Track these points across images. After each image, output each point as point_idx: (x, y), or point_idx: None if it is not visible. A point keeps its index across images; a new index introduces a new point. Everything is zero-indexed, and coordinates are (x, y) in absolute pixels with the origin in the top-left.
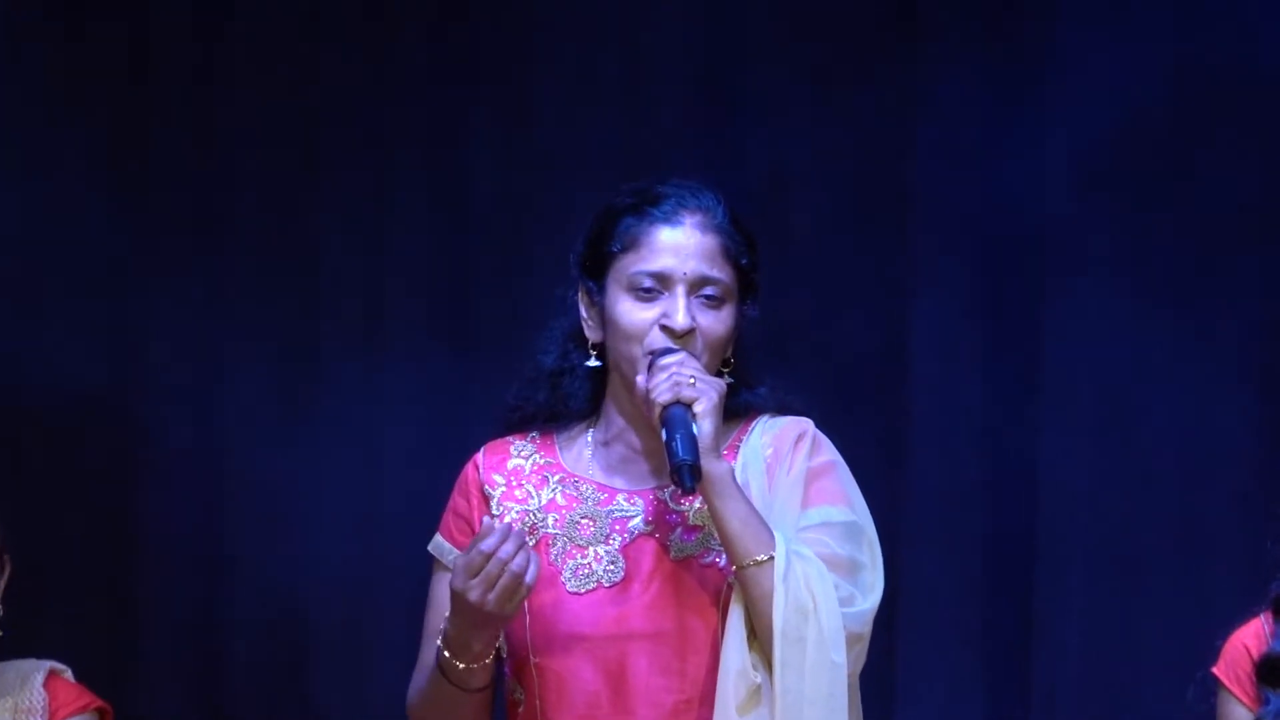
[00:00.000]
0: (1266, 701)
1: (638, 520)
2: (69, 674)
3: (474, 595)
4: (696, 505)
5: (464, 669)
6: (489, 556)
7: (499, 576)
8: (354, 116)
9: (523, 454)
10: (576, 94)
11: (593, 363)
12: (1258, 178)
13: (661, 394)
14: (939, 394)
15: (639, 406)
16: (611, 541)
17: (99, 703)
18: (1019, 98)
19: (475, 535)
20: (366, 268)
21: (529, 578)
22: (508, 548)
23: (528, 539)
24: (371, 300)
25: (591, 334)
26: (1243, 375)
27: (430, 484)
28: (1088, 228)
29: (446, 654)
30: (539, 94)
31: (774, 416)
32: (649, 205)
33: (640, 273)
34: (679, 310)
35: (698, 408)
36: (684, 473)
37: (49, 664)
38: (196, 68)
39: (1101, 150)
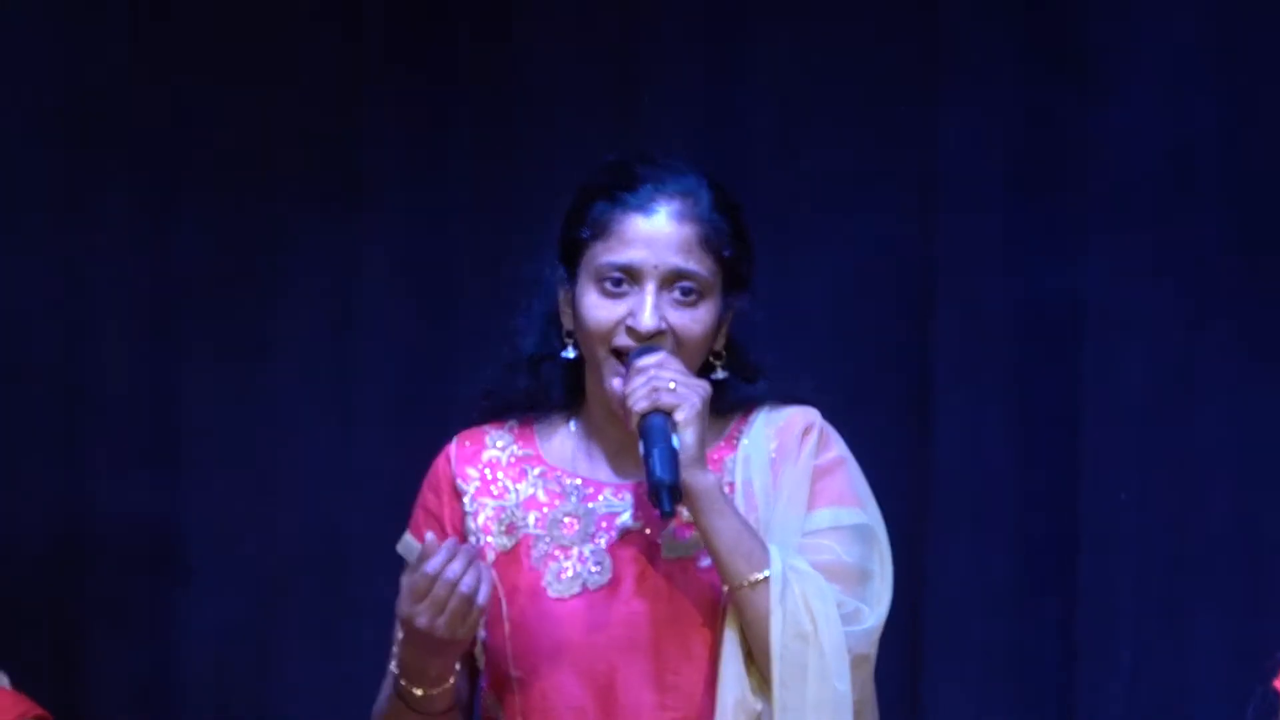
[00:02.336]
0: None
1: (626, 516)
2: (6, 681)
3: (422, 621)
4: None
5: (422, 695)
6: (434, 578)
7: (448, 599)
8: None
9: (499, 445)
10: (568, 54)
11: (569, 354)
12: None
13: (638, 402)
14: (968, 384)
15: (618, 414)
16: (598, 540)
17: (39, 710)
18: (1053, 78)
19: (419, 555)
20: (340, 248)
21: (481, 598)
22: (455, 567)
23: (480, 553)
24: (343, 280)
25: (568, 322)
26: None
27: (403, 469)
28: (1132, 221)
29: (403, 681)
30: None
31: (777, 407)
32: (623, 189)
33: (608, 264)
34: (645, 310)
35: (679, 416)
36: (662, 495)
37: None
38: (161, 50)
39: (1149, 144)
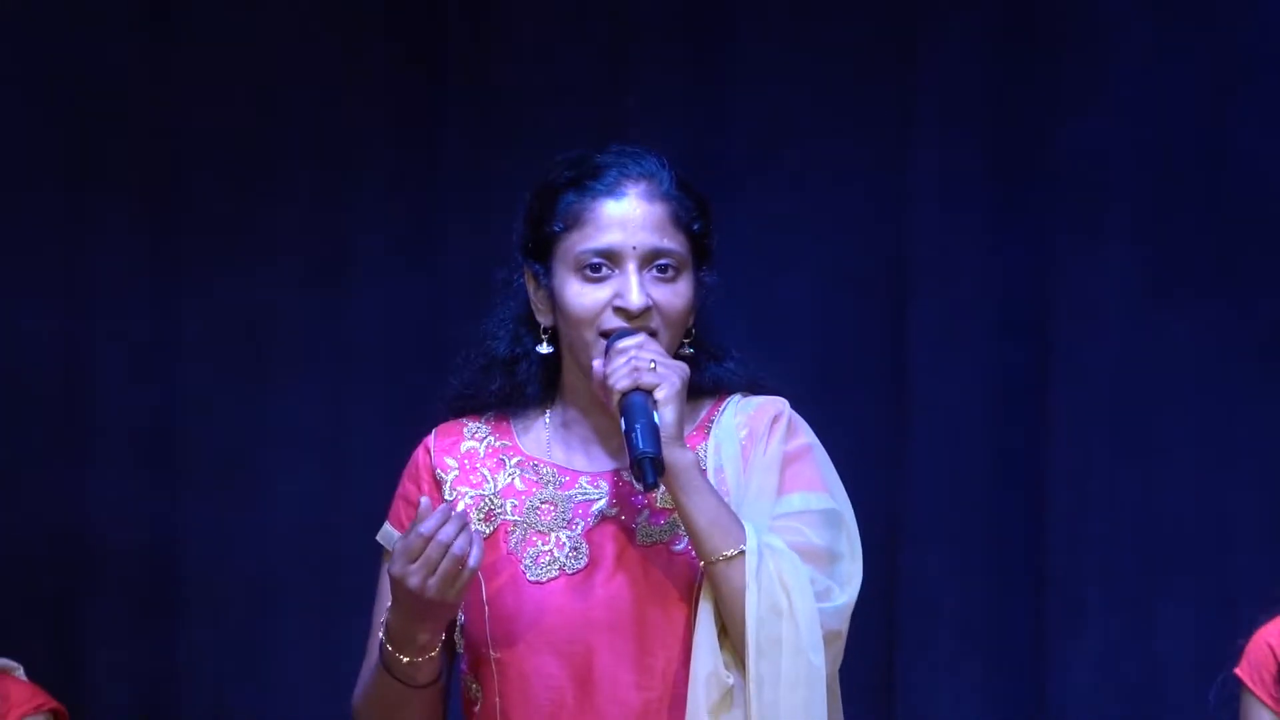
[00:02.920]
0: None
1: (602, 504)
2: (21, 672)
3: (414, 581)
4: (665, 494)
5: (409, 663)
6: (428, 539)
7: (440, 561)
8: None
9: (477, 436)
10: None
11: (544, 349)
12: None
13: (620, 380)
14: (941, 382)
15: (600, 395)
16: (574, 526)
17: (53, 703)
18: (1029, 76)
19: (414, 517)
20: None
21: (472, 561)
22: (448, 530)
23: (471, 520)
24: (334, 269)
25: (543, 318)
26: (1263, 372)
27: (394, 460)
28: (1101, 212)
29: (390, 647)
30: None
31: (747, 396)
32: (589, 179)
33: (587, 251)
34: (632, 289)
35: (659, 394)
36: (645, 467)
37: (3, 661)
38: (158, 41)
39: (1118, 140)
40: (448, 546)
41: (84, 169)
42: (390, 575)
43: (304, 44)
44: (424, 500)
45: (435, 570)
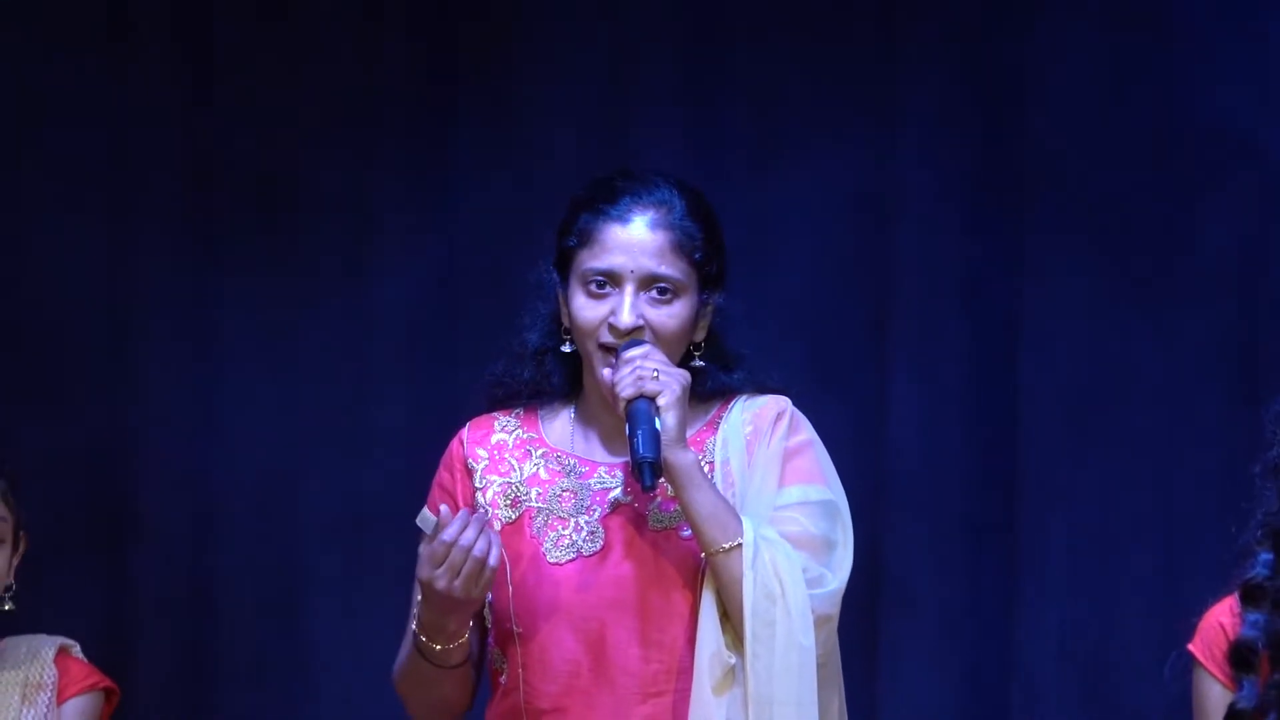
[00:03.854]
0: (1241, 687)
1: (617, 492)
2: (78, 650)
3: (441, 584)
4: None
5: (440, 650)
6: (451, 545)
7: (463, 563)
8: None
9: (506, 429)
10: (561, 76)
11: (566, 348)
12: (1223, 191)
13: (625, 388)
14: (919, 378)
15: (608, 399)
16: (592, 512)
17: (107, 682)
18: (998, 107)
19: (436, 525)
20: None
21: (493, 560)
22: (469, 534)
23: (489, 522)
24: (356, 261)
25: (566, 320)
26: (1214, 372)
27: (419, 441)
28: (1066, 228)
29: (423, 637)
30: (523, 72)
31: (753, 395)
32: (603, 202)
33: (592, 269)
34: (624, 309)
35: (661, 400)
36: (644, 471)
37: (59, 640)
38: (195, 51)
39: (1083, 155)
40: (469, 550)
41: (125, 170)
42: (419, 579)
43: (327, 52)
44: (444, 509)
45: (460, 572)
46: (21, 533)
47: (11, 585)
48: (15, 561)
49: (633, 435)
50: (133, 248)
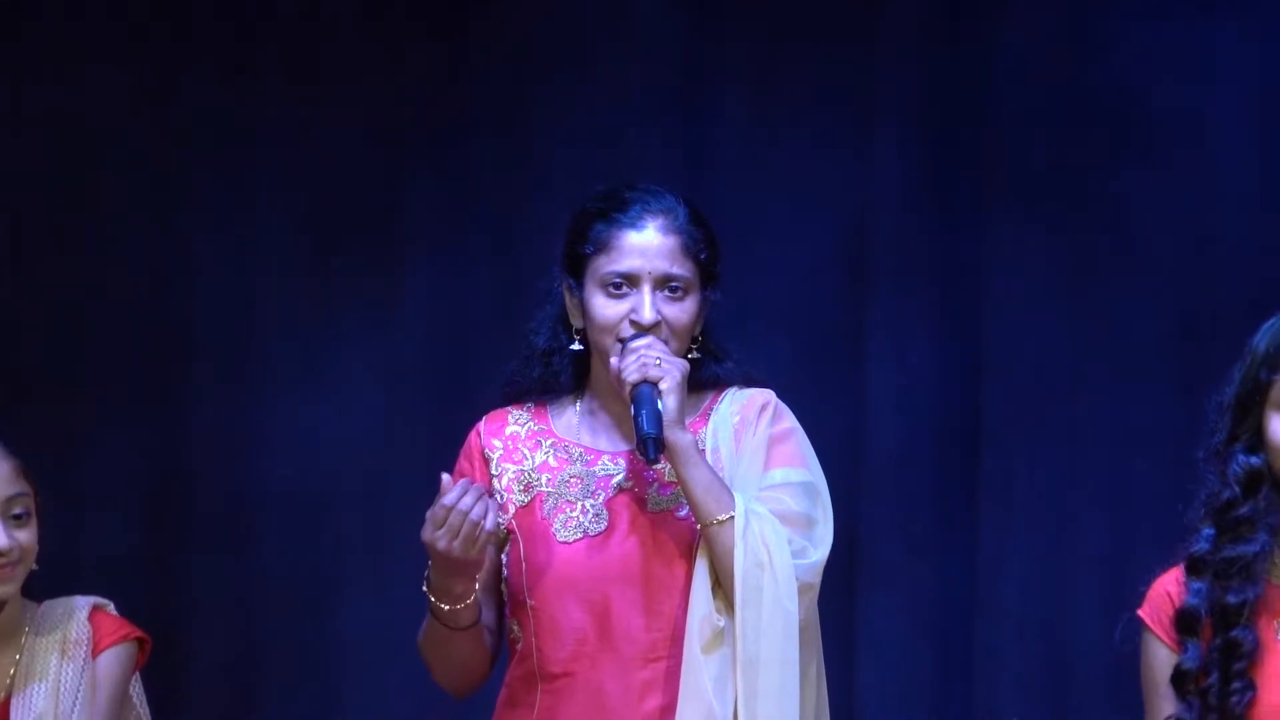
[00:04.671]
0: (1186, 649)
1: (620, 478)
2: (111, 608)
3: (441, 544)
4: (671, 470)
5: (449, 610)
6: (450, 509)
7: (461, 525)
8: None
9: (519, 422)
10: (567, 104)
11: (576, 347)
12: (1178, 190)
13: (631, 374)
14: (893, 373)
15: (616, 386)
16: (596, 496)
17: (138, 633)
18: (967, 112)
19: (439, 492)
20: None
21: (488, 525)
22: (466, 500)
23: (485, 492)
24: (387, 256)
25: (575, 322)
26: (1164, 361)
27: (441, 413)
28: (1026, 233)
29: (432, 598)
30: (535, 97)
31: (741, 388)
32: (616, 211)
33: (611, 273)
34: (645, 306)
35: (663, 385)
36: (648, 445)
37: (94, 599)
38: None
39: (1043, 164)
40: (466, 514)
41: (168, 176)
42: (423, 540)
43: (354, 62)
44: (445, 477)
45: (458, 534)
46: (39, 501)
47: (36, 551)
48: (38, 529)
49: (637, 415)
50: (183, 259)
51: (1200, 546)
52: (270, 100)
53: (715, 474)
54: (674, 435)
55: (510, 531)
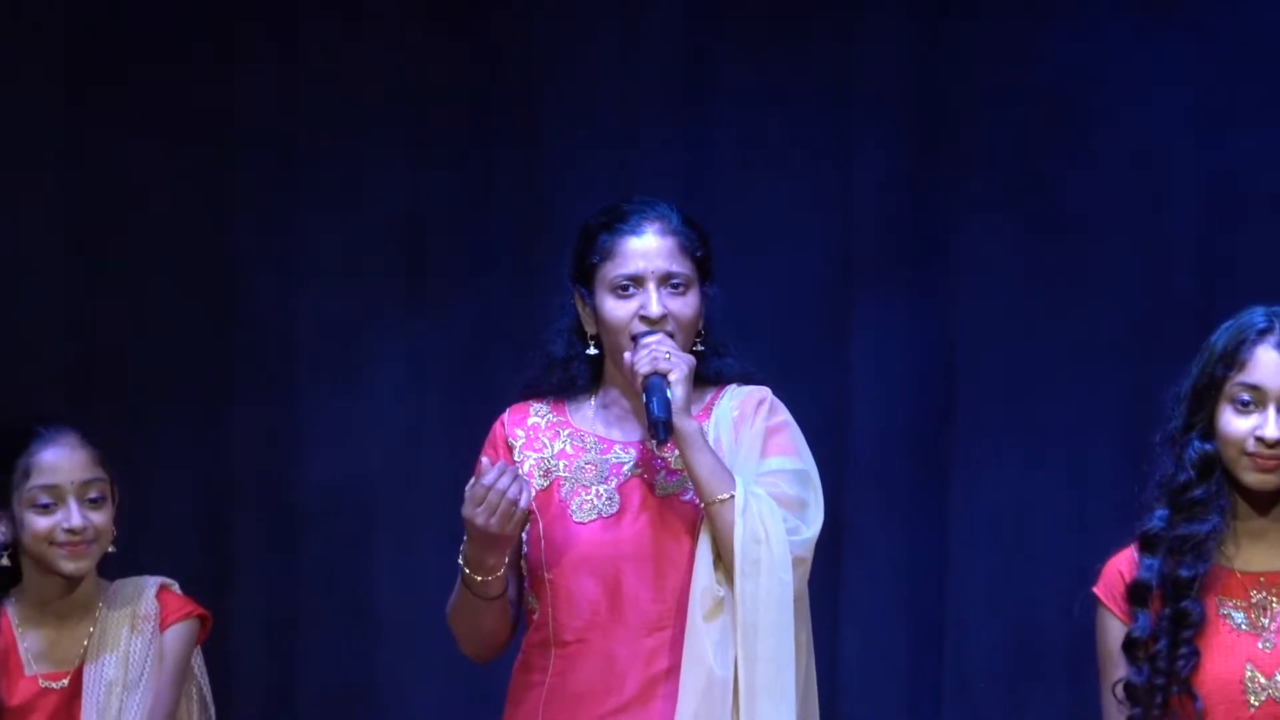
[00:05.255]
0: (1136, 619)
1: (630, 465)
2: (176, 587)
3: (480, 520)
4: (676, 454)
5: (481, 581)
6: (489, 488)
7: (499, 503)
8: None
9: (539, 414)
10: (577, 121)
11: (591, 351)
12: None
13: (643, 366)
14: (874, 368)
15: (629, 380)
16: (609, 481)
17: (200, 611)
18: (938, 134)
19: (478, 473)
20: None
21: (523, 503)
22: (504, 480)
23: (521, 474)
24: (414, 268)
25: (589, 328)
26: (1118, 350)
27: (462, 417)
28: (996, 238)
29: (467, 570)
30: (548, 121)
31: (741, 385)
32: (618, 222)
33: (618, 276)
34: (652, 302)
35: (672, 377)
36: (659, 428)
37: (161, 579)
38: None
39: (1003, 184)
40: (504, 493)
41: (221, 179)
42: (463, 516)
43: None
44: (484, 460)
45: (495, 511)
46: (116, 488)
47: (114, 533)
48: (114, 514)
49: (649, 402)
50: (225, 259)
51: (1154, 525)
52: (308, 117)
53: (717, 458)
54: (681, 422)
55: (531, 512)
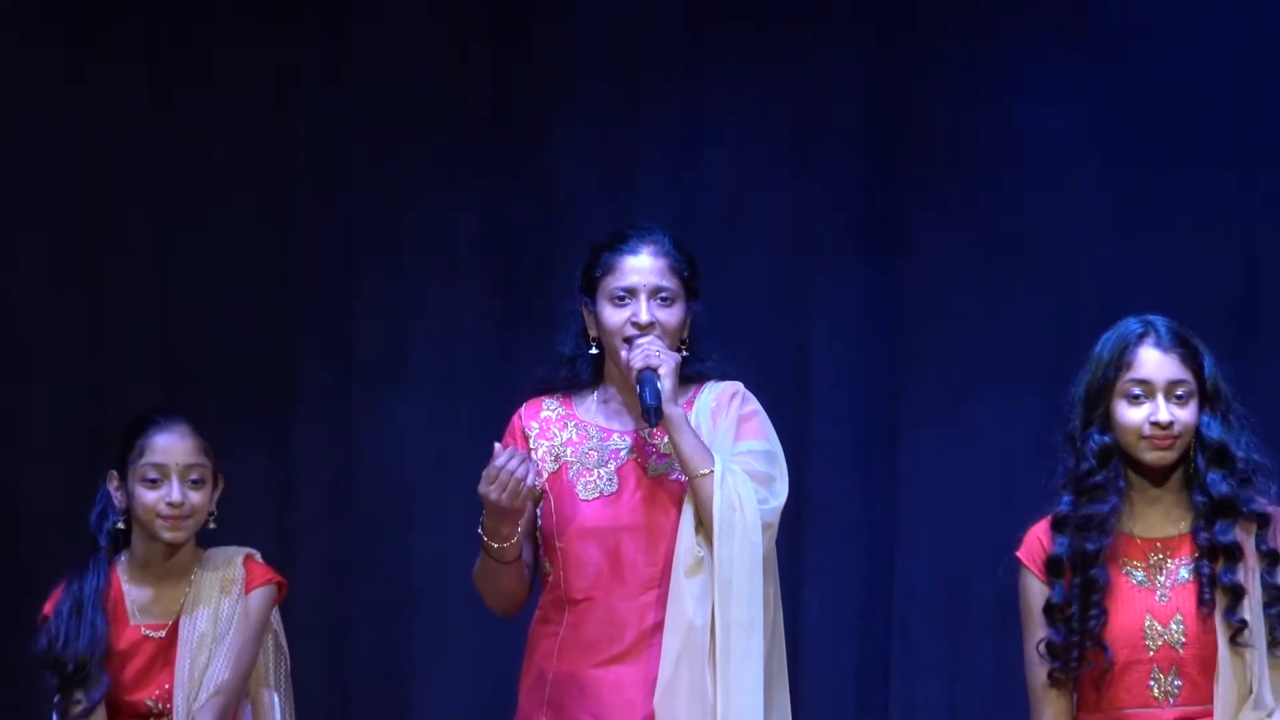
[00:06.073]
0: (1054, 588)
1: (626, 450)
2: (259, 556)
3: (493, 495)
4: (664, 440)
5: (498, 548)
6: (501, 469)
7: (508, 481)
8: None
9: (550, 409)
10: (585, 162)
11: (593, 351)
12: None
13: (637, 362)
14: (832, 370)
15: (625, 375)
16: (609, 464)
17: (278, 578)
18: (893, 159)
19: (492, 456)
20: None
21: (529, 482)
22: (513, 463)
23: (529, 457)
24: (449, 292)
25: (592, 331)
26: (1044, 343)
27: (488, 419)
28: (944, 233)
29: (485, 538)
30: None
31: (718, 382)
32: (619, 243)
33: (616, 288)
34: (642, 310)
35: (661, 370)
36: (650, 413)
37: (246, 549)
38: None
39: (954, 193)
40: (512, 473)
41: (284, 187)
42: (479, 492)
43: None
44: (497, 445)
45: (505, 488)
46: (218, 474)
47: (214, 512)
48: (215, 496)
49: (642, 391)
50: (288, 266)
51: (1063, 508)
52: (362, 141)
53: (700, 439)
54: (669, 409)
55: (544, 491)
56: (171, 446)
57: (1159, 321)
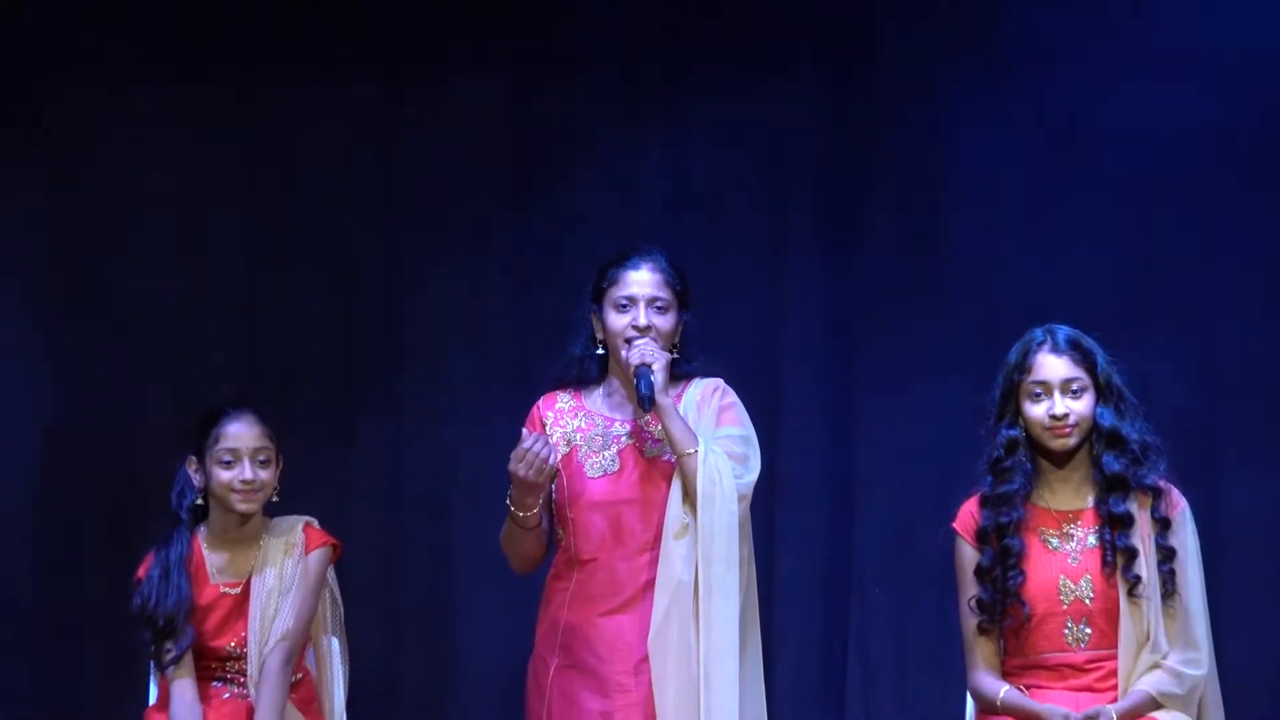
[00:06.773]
0: (983, 554)
1: (627, 436)
2: (316, 524)
3: (520, 471)
4: (658, 428)
5: (523, 515)
6: (528, 450)
7: (534, 461)
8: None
9: (563, 401)
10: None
11: (600, 351)
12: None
13: (634, 359)
14: (800, 362)
15: (625, 370)
16: (612, 448)
17: (333, 541)
18: (855, 175)
19: (521, 440)
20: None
21: (551, 461)
22: (539, 445)
23: (550, 441)
24: (473, 305)
25: (599, 334)
26: (978, 335)
27: (513, 424)
28: (896, 226)
29: (512, 508)
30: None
31: (703, 379)
32: (623, 260)
33: (620, 297)
34: (640, 316)
35: (655, 366)
36: (645, 402)
37: (305, 518)
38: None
39: (890, 211)
40: (537, 454)
41: (344, 189)
42: (509, 470)
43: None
44: (525, 430)
45: (531, 466)
46: (280, 455)
47: (277, 488)
48: (278, 473)
49: (639, 383)
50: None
51: (984, 489)
52: (414, 159)
53: (686, 424)
54: (661, 399)
55: (558, 470)
56: (241, 432)
57: (1058, 329)
